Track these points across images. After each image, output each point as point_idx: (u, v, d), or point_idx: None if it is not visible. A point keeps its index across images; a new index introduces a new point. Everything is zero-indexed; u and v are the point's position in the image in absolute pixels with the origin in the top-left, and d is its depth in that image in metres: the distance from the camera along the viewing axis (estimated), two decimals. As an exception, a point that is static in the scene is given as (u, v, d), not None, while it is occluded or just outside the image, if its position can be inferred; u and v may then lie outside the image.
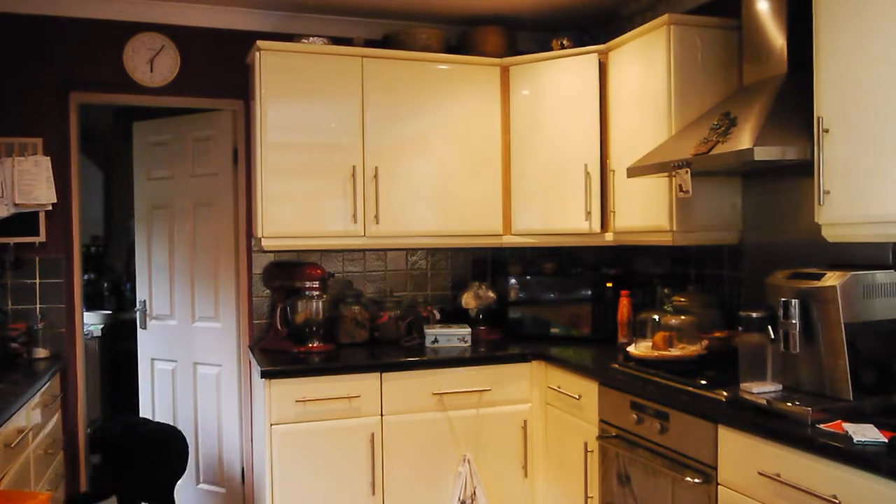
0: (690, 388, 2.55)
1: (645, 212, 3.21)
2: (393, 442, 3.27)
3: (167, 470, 3.62)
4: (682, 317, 3.09)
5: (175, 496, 3.68)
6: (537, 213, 3.70)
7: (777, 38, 2.68)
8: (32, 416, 2.89)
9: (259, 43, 3.39)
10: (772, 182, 3.01)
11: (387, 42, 3.81)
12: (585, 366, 3.16)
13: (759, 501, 2.17)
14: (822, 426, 2.05)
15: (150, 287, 4.29)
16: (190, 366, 4.11)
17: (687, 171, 2.66)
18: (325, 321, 3.61)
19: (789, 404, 2.18)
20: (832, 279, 2.25)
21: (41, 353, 3.44)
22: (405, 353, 3.52)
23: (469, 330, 3.68)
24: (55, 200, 3.48)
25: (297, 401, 3.13)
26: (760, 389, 2.32)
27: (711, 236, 3.16)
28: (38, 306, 3.51)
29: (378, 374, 3.25)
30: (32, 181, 3.42)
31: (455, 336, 3.64)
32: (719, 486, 2.35)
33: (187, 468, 3.77)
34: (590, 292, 3.71)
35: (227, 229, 3.93)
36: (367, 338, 3.74)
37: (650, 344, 3.02)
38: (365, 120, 3.55)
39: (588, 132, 3.52)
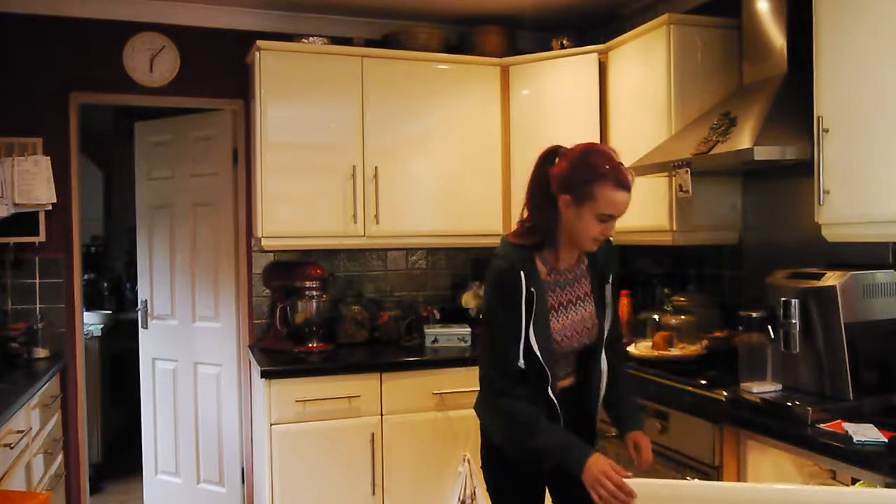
0: (690, 388, 2.55)
1: (645, 212, 3.20)
2: (393, 442, 3.27)
3: None
4: (682, 317, 3.09)
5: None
6: (537, 213, 3.69)
7: (777, 38, 2.68)
8: (32, 416, 2.89)
9: (259, 43, 3.39)
10: (772, 182, 3.01)
11: (387, 42, 3.80)
12: (585, 366, 3.15)
13: (759, 501, 2.17)
14: (822, 426, 2.05)
15: (151, 287, 4.29)
16: (190, 365, 4.11)
17: (687, 171, 2.66)
18: (325, 321, 3.61)
19: (789, 404, 2.17)
20: (832, 279, 2.24)
21: (41, 353, 3.44)
22: (405, 353, 3.52)
23: (469, 330, 3.67)
24: (55, 200, 3.48)
25: (297, 401, 3.13)
26: (760, 389, 2.32)
27: (711, 236, 3.16)
28: (38, 306, 3.51)
29: (378, 374, 3.25)
30: (32, 181, 3.42)
31: (455, 336, 3.64)
32: (719, 486, 2.35)
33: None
34: (590, 292, 3.69)
35: (227, 229, 3.93)
36: (367, 338, 3.74)
37: (650, 344, 3.02)
38: (365, 120, 3.55)
39: (588, 132, 3.51)
